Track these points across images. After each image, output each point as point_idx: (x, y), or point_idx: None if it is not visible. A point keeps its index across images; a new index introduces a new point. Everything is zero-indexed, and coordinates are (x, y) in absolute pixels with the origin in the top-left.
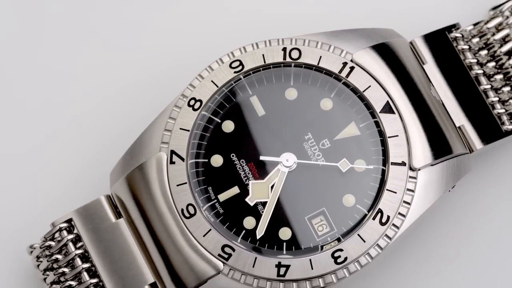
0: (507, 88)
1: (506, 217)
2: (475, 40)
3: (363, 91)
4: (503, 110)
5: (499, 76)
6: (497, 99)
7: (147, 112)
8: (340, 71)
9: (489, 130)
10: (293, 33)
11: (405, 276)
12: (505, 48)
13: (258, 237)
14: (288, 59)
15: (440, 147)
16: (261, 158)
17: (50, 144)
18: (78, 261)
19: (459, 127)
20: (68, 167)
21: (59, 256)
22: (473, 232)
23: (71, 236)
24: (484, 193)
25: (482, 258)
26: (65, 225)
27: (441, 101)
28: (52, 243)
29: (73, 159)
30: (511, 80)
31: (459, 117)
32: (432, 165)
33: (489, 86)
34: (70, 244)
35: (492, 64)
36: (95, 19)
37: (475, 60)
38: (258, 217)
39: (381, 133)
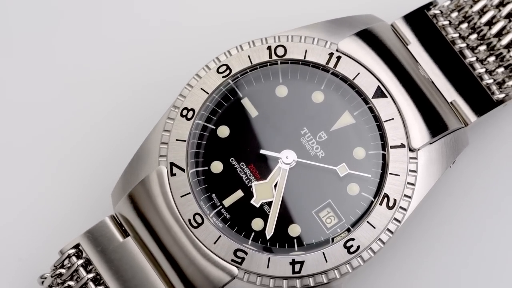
0: (492, 58)
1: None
2: (454, 14)
3: (353, 79)
4: (491, 80)
5: (482, 47)
6: (483, 70)
7: (140, 128)
8: (328, 62)
9: (481, 101)
10: (272, 32)
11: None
12: (484, 19)
13: (268, 237)
14: (274, 57)
15: (436, 124)
16: (261, 151)
17: (45, 172)
18: (91, 285)
19: (451, 103)
20: (65, 191)
21: (72, 283)
22: (477, 206)
23: (81, 261)
24: (485, 164)
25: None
26: (73, 251)
27: (430, 79)
28: (63, 270)
29: (69, 183)
30: (494, 49)
31: (450, 93)
32: (430, 143)
33: (474, 59)
34: (81, 269)
35: (474, 36)
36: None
37: (457, 35)
38: (265, 217)
39: (377, 118)
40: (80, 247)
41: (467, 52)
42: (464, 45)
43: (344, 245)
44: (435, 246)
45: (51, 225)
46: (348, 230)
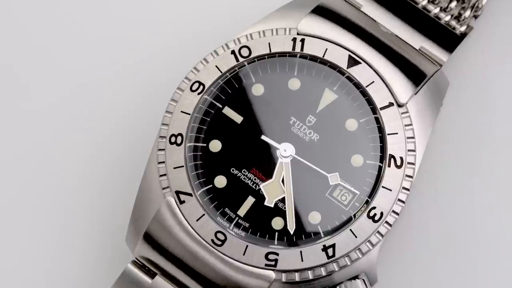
0: None
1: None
2: None
3: (323, 56)
4: (448, 17)
5: None
6: (438, 9)
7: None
8: (293, 48)
9: (446, 39)
10: (224, 36)
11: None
12: None
13: (292, 232)
14: (241, 59)
15: (414, 75)
16: (262, 137)
17: (51, 231)
18: None
19: (419, 50)
20: (75, 253)
21: None
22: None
23: None
24: (474, 101)
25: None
26: None
27: (393, 33)
28: None
29: (78, 242)
30: None
31: (415, 41)
32: (415, 94)
33: (425, 1)
34: None
35: None
36: None
37: None
38: (283, 214)
39: (358, 86)
40: None
41: None
42: None
43: (368, 216)
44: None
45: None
46: (367, 202)
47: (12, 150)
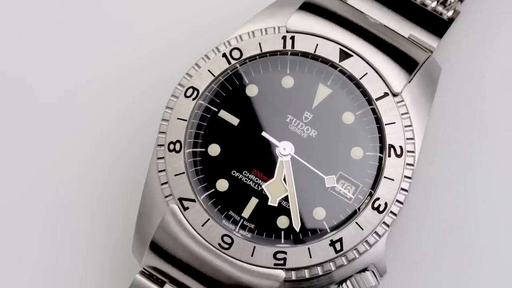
0: None
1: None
2: None
3: (314, 52)
4: (434, 3)
5: None
6: None
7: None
8: (284, 46)
9: (434, 25)
10: (212, 38)
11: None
12: None
13: (297, 230)
14: (232, 62)
15: (406, 63)
16: (263, 134)
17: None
18: None
19: (409, 38)
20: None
21: None
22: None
23: None
24: (466, 85)
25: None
26: None
27: (381, 23)
28: None
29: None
30: None
31: (404, 29)
32: (409, 82)
33: None
34: None
35: None
36: None
37: None
38: (287, 213)
39: (351, 78)
40: None
41: None
42: None
43: (373, 207)
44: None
45: None
46: (370, 194)
47: (10, 151)
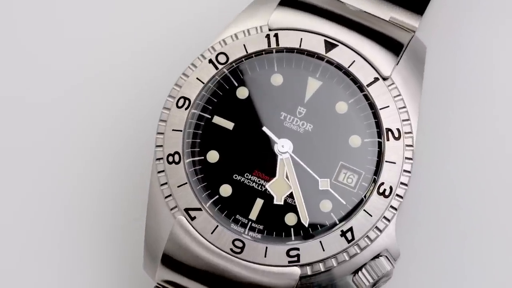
0: None
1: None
2: None
3: (300, 46)
4: None
5: None
6: None
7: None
8: (269, 45)
9: (413, 4)
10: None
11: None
12: None
13: (306, 225)
14: (220, 66)
15: (391, 46)
16: (263, 128)
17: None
18: None
19: (390, 20)
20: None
21: None
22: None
23: None
24: (451, 61)
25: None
26: None
27: (360, 9)
28: None
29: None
30: None
31: (384, 12)
32: (397, 64)
33: None
34: None
35: None
36: None
37: None
38: (294, 209)
39: (340, 67)
40: None
41: None
42: None
43: (378, 193)
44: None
45: None
46: (374, 180)
47: (10, 150)
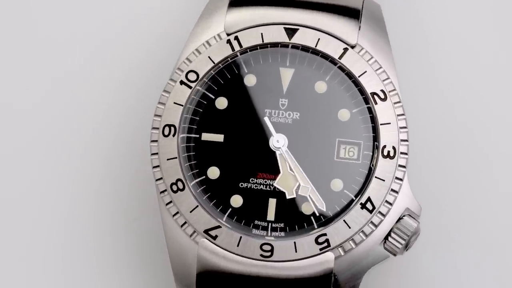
0: None
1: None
2: None
3: (262, 41)
4: None
5: None
6: None
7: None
8: (232, 49)
9: None
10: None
11: None
12: None
13: (324, 209)
14: (192, 85)
15: (349, 13)
16: (265, 119)
17: None
18: None
19: None
20: None
21: None
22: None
23: None
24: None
25: None
26: None
27: None
28: None
29: None
30: None
31: None
32: (359, 30)
33: None
34: None
35: None
36: None
37: None
38: (307, 198)
39: (306, 49)
40: None
41: None
42: None
43: (383, 156)
44: None
45: None
46: (376, 146)
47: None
